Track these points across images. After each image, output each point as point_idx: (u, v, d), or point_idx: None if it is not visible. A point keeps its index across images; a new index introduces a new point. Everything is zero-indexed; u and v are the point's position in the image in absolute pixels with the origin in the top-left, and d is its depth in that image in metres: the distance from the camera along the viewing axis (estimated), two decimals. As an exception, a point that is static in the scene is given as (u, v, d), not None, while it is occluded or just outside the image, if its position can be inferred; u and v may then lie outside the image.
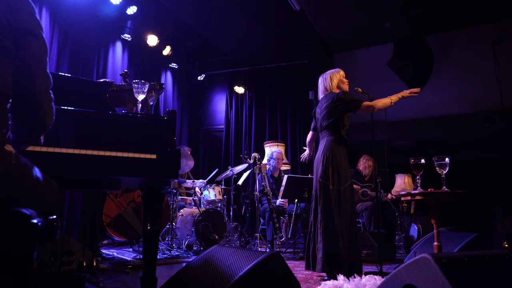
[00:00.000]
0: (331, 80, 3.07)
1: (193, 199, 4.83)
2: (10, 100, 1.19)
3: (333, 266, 2.73)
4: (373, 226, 4.47)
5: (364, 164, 5.04)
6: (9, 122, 1.25)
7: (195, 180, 5.05)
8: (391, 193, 4.89)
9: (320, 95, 3.14)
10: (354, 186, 4.66)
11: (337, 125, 2.96)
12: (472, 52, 5.80)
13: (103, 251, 4.17)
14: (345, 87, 3.10)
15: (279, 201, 4.58)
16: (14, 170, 1.15)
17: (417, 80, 5.70)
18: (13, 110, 1.22)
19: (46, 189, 1.24)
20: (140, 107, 2.14)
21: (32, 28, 1.21)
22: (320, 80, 3.16)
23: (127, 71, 3.03)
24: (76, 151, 1.73)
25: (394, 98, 2.94)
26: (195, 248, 4.44)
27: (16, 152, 1.19)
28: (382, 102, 2.92)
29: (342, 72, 3.13)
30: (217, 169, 5.46)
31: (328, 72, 3.13)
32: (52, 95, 1.28)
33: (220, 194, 4.92)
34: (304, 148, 3.52)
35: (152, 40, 5.72)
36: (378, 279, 2.41)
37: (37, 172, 1.22)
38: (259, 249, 4.16)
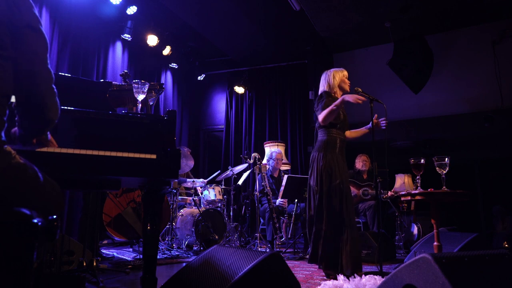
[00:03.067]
0: (334, 78, 3.07)
1: (193, 199, 4.83)
2: (13, 99, 1.20)
3: (316, 262, 2.82)
4: (376, 225, 4.46)
5: (359, 161, 5.06)
6: (16, 118, 1.28)
7: (195, 180, 5.05)
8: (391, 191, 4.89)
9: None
10: (352, 187, 4.68)
11: (325, 127, 2.97)
12: (472, 52, 5.81)
13: (103, 251, 4.17)
14: (346, 87, 3.11)
15: (278, 201, 4.57)
16: (13, 169, 1.15)
17: (417, 80, 5.71)
18: (18, 106, 1.24)
19: (47, 189, 1.24)
20: (140, 107, 2.14)
21: (30, 21, 1.21)
22: (323, 76, 3.14)
23: (127, 71, 3.03)
24: (76, 151, 1.73)
25: (337, 102, 2.83)
26: (195, 248, 4.44)
27: (16, 152, 1.19)
28: (328, 109, 2.84)
29: (345, 72, 3.14)
30: (219, 171, 5.47)
31: (332, 69, 3.14)
32: (55, 90, 1.29)
33: (220, 194, 4.92)
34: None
35: (152, 40, 5.72)
36: (378, 279, 2.41)
37: (37, 172, 1.22)
38: (259, 249, 4.16)
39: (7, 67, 1.17)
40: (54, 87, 1.28)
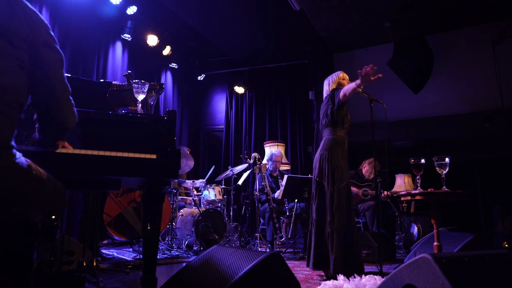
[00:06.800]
0: (333, 83, 3.15)
1: (193, 199, 4.83)
2: (23, 107, 1.28)
3: (323, 265, 2.79)
4: (375, 225, 4.46)
5: (368, 169, 4.98)
6: (36, 125, 1.45)
7: (195, 180, 5.05)
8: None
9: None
10: (352, 188, 4.68)
11: (334, 125, 2.97)
12: (472, 52, 5.81)
13: (103, 251, 4.17)
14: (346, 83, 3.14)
15: (277, 194, 4.58)
16: (14, 170, 1.15)
17: (417, 80, 5.71)
18: (39, 116, 1.40)
19: (47, 189, 1.24)
20: (140, 107, 2.14)
21: (48, 41, 1.33)
22: (324, 83, 3.22)
23: (130, 72, 3.02)
24: (76, 151, 1.73)
25: (358, 81, 2.80)
26: (195, 248, 4.44)
27: (22, 154, 1.20)
28: (349, 86, 2.86)
29: (343, 75, 3.20)
30: (214, 166, 5.46)
31: (332, 75, 3.21)
32: (72, 101, 1.43)
33: (220, 194, 4.92)
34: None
35: (152, 40, 5.72)
36: (378, 279, 2.41)
37: (40, 172, 1.23)
38: (259, 249, 4.16)
39: (23, 77, 1.25)
40: (71, 98, 1.43)
